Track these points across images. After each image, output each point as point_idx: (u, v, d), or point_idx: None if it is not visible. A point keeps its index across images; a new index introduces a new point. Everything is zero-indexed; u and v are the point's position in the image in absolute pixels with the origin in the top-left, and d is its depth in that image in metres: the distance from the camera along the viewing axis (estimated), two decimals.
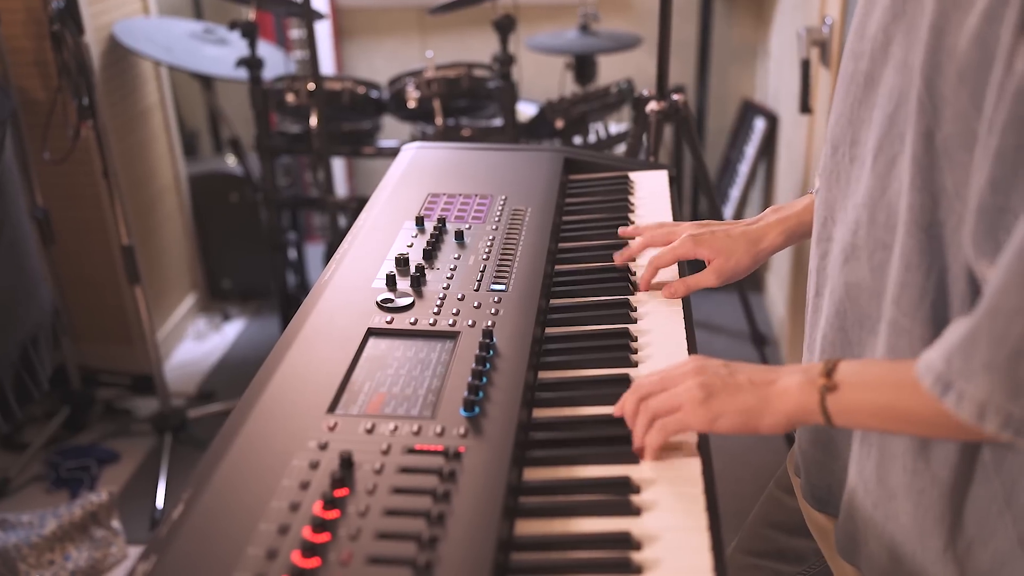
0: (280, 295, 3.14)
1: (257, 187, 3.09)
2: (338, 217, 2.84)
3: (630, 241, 1.37)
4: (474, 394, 1.00)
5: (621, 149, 3.05)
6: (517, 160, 1.68)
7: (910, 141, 0.83)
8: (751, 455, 2.70)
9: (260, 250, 3.37)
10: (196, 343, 3.47)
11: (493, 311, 1.18)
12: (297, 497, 0.86)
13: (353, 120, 3.04)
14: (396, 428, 0.96)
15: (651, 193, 1.60)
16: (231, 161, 3.52)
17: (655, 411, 0.94)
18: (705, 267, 1.23)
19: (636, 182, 1.65)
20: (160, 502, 2.58)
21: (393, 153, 2.76)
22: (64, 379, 2.96)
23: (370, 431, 0.96)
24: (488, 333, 1.11)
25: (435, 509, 0.85)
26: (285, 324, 2.98)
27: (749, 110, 3.71)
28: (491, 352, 1.08)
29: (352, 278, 1.26)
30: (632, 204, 1.55)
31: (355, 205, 2.74)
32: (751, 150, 3.58)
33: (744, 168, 3.62)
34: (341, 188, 4.10)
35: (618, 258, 1.31)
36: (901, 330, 0.87)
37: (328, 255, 3.01)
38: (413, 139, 3.02)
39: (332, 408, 1.00)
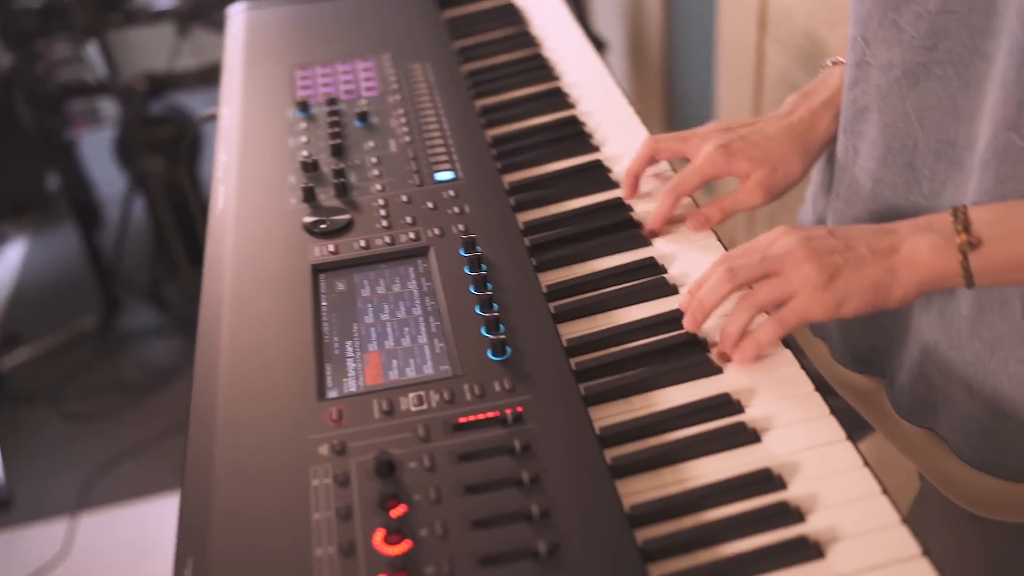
0: (70, 200, 2.68)
1: (10, 79, 2.56)
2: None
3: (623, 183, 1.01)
4: (495, 329, 0.78)
5: None
6: (379, 6, 1.38)
7: None
8: None
9: (23, 153, 2.85)
10: None
11: (455, 209, 0.94)
12: (344, 534, 0.64)
13: None
14: (421, 400, 0.74)
15: (550, 21, 1.35)
16: None
17: (763, 303, 0.76)
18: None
19: (524, 7, 1.39)
20: None
21: (169, 17, 2.33)
22: None
23: (389, 412, 0.73)
24: (469, 241, 0.88)
25: (530, 503, 0.64)
26: (86, 236, 2.57)
27: None
28: (483, 266, 0.86)
29: (256, 202, 0.98)
30: (536, 38, 1.31)
31: (145, 86, 2.32)
32: None
33: None
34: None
35: (626, 192, 0.98)
36: (1019, 156, 0.71)
37: (122, 147, 2.57)
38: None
39: (322, 391, 0.75)
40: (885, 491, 0.66)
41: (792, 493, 0.67)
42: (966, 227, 0.72)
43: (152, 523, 2.10)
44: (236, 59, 1.26)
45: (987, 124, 0.73)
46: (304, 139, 1.07)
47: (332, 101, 1.12)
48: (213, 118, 1.23)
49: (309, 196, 0.97)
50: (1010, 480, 0.87)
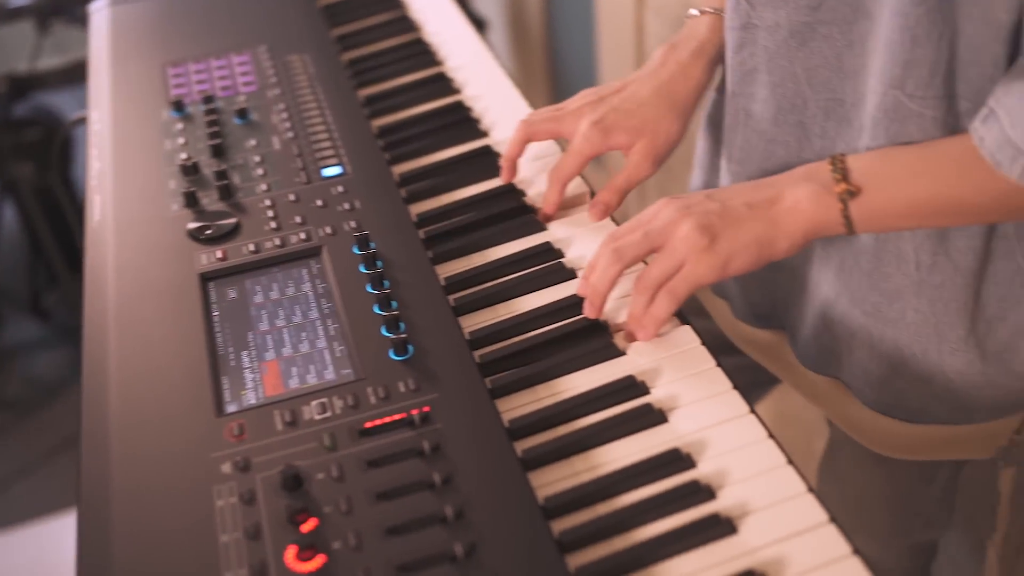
0: None
1: None
2: None
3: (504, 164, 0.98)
4: (395, 328, 0.77)
5: None
6: None
7: None
8: None
9: None
10: None
11: (345, 205, 0.92)
12: (254, 554, 0.62)
13: None
14: (324, 407, 0.72)
15: (429, 4, 1.33)
16: None
17: (657, 279, 0.76)
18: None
19: None
20: None
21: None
22: None
23: (292, 423, 0.71)
24: (362, 238, 0.86)
25: (444, 505, 0.64)
26: None
27: None
28: (379, 263, 0.84)
29: (136, 210, 0.93)
30: (415, 22, 1.29)
31: (6, 87, 2.20)
32: None
33: None
34: None
35: (504, 176, 0.96)
36: (908, 114, 0.73)
37: None
38: None
39: (221, 406, 0.73)
40: (790, 462, 0.68)
41: (702, 471, 0.68)
42: (845, 176, 0.74)
43: (49, 545, 2.01)
44: (102, 59, 1.21)
45: (875, 83, 0.75)
46: (182, 140, 1.03)
47: (209, 99, 1.08)
48: (84, 121, 1.17)
49: (191, 201, 0.93)
50: (910, 422, 0.91)
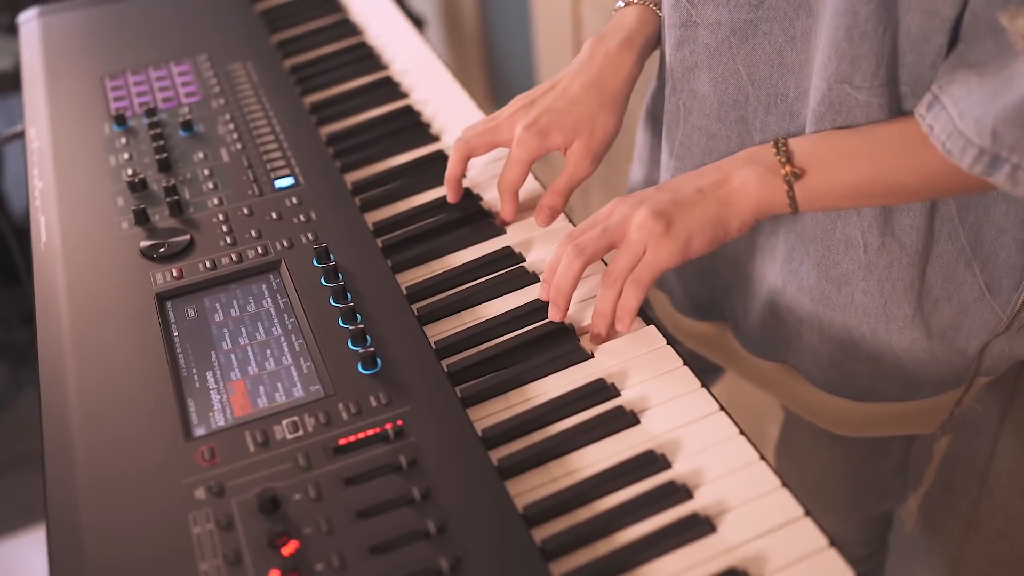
0: None
1: None
2: None
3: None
4: (362, 341, 0.76)
5: None
6: (186, 2, 1.31)
7: None
8: None
9: None
10: None
11: (301, 217, 0.91)
12: None
13: None
14: (296, 426, 0.71)
15: (369, 6, 1.32)
16: None
17: (622, 271, 0.77)
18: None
19: None
20: None
21: None
22: None
23: (264, 444, 0.70)
24: (322, 251, 0.85)
25: (426, 520, 0.63)
26: None
27: None
28: (340, 276, 0.83)
29: (84, 230, 0.91)
30: (357, 25, 1.27)
31: None
32: None
33: None
34: None
35: (450, 196, 0.94)
36: (854, 104, 0.75)
37: None
38: None
39: (189, 430, 0.71)
40: (763, 457, 0.69)
41: (677, 471, 0.69)
42: (789, 158, 0.76)
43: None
44: (36, 73, 1.17)
45: (820, 79, 0.76)
46: (126, 156, 1.00)
47: (151, 111, 1.06)
48: (20, 136, 1.14)
49: (142, 218, 0.91)
50: (860, 400, 0.94)
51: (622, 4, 0.94)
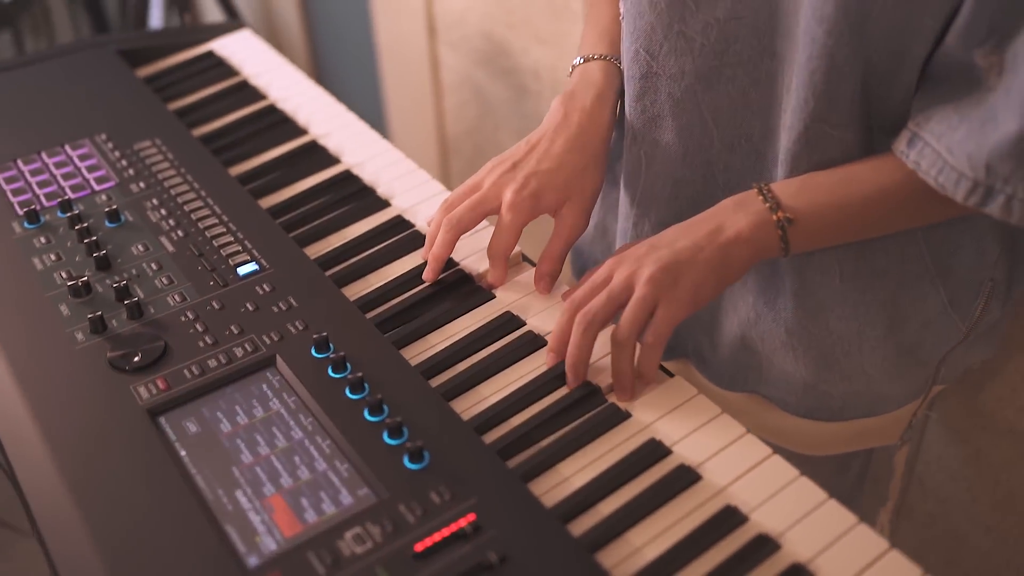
0: None
1: None
2: None
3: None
4: (399, 433, 0.72)
5: None
6: (55, 75, 1.19)
7: None
8: None
9: None
10: None
11: (280, 305, 0.84)
12: None
13: None
14: (362, 538, 0.66)
15: (259, 69, 1.25)
16: None
17: (633, 329, 0.76)
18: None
19: (228, 57, 1.27)
20: None
21: None
22: None
23: (335, 564, 0.64)
24: (322, 341, 0.79)
25: None
26: None
27: None
28: (348, 367, 0.78)
29: (33, 352, 0.81)
30: (258, 88, 1.20)
31: None
32: None
33: None
34: None
35: (428, 273, 0.90)
36: (830, 142, 0.78)
37: None
38: None
39: (240, 562, 0.65)
40: (831, 496, 0.70)
41: (755, 520, 0.69)
42: (778, 205, 0.78)
43: None
44: None
45: (796, 119, 0.78)
46: (53, 257, 0.90)
47: (66, 204, 0.95)
48: None
49: (98, 327, 0.82)
50: (832, 420, 0.96)
51: (581, 60, 0.94)
